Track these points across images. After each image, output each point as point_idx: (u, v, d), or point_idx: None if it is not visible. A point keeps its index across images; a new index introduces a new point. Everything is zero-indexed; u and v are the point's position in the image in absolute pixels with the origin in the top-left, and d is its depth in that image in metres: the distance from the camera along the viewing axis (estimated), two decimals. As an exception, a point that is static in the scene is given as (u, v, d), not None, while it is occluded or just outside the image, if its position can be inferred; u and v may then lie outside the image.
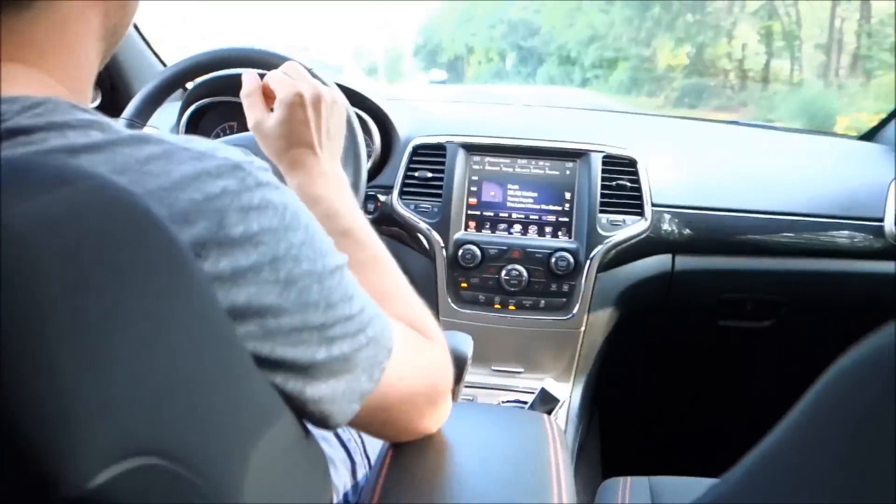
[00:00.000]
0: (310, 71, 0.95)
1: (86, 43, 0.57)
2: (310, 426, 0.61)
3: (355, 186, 1.27)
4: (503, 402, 1.42)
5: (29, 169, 0.39)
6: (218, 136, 1.59)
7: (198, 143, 0.53)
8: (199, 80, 1.44)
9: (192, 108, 1.51)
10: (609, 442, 1.81)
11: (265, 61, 1.19)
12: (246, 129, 1.56)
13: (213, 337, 0.47)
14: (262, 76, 0.90)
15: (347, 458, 0.91)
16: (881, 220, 1.53)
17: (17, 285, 0.35)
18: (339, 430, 0.93)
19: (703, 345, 1.78)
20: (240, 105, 1.55)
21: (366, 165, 1.31)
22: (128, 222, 0.41)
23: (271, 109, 0.86)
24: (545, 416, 0.88)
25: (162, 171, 0.49)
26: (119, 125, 0.52)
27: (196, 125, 1.54)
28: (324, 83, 0.89)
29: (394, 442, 0.75)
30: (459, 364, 0.94)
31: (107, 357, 0.38)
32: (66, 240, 0.37)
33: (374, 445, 0.95)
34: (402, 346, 0.64)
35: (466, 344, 0.97)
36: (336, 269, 0.57)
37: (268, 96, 0.89)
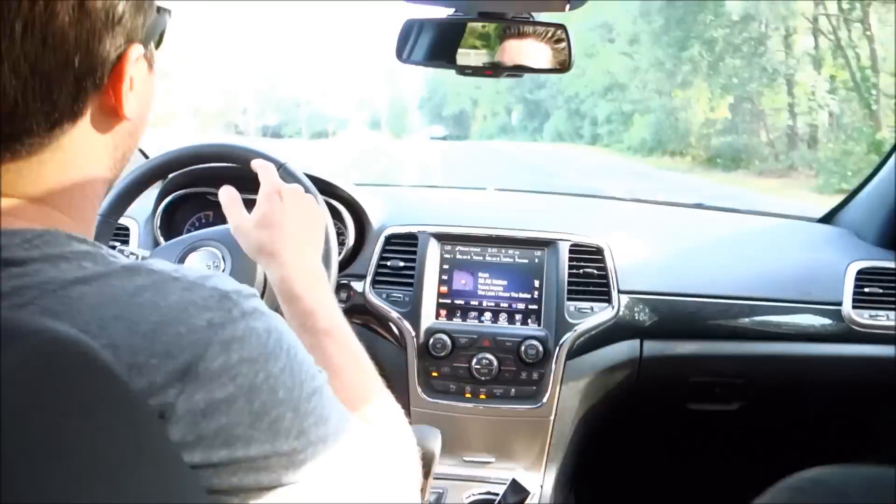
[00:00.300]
0: (282, 167, 1.00)
1: (93, 176, 0.60)
2: None
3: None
4: (474, 494, 1.42)
5: None
6: (194, 224, 1.61)
7: (189, 271, 0.55)
8: (176, 171, 1.46)
9: (168, 198, 1.53)
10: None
11: (239, 156, 1.23)
12: (221, 220, 1.61)
13: (162, 479, 0.48)
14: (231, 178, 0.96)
15: None
16: (839, 303, 1.57)
17: None
18: None
19: (674, 428, 1.79)
20: (216, 195, 1.59)
21: (336, 256, 1.33)
22: (72, 374, 0.42)
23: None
24: None
25: (150, 304, 0.51)
26: (112, 256, 0.54)
27: (172, 215, 1.56)
28: (298, 180, 0.94)
29: None
30: (427, 460, 0.95)
31: (42, 480, 0.39)
32: (11, 398, 0.39)
33: None
34: (371, 453, 0.65)
35: (434, 439, 0.97)
36: (314, 392, 0.58)
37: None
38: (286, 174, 1.17)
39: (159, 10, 0.61)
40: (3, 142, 0.53)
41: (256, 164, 0.98)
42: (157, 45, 0.63)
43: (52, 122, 0.54)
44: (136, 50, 0.58)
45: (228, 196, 0.94)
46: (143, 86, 0.60)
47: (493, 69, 1.35)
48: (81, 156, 0.58)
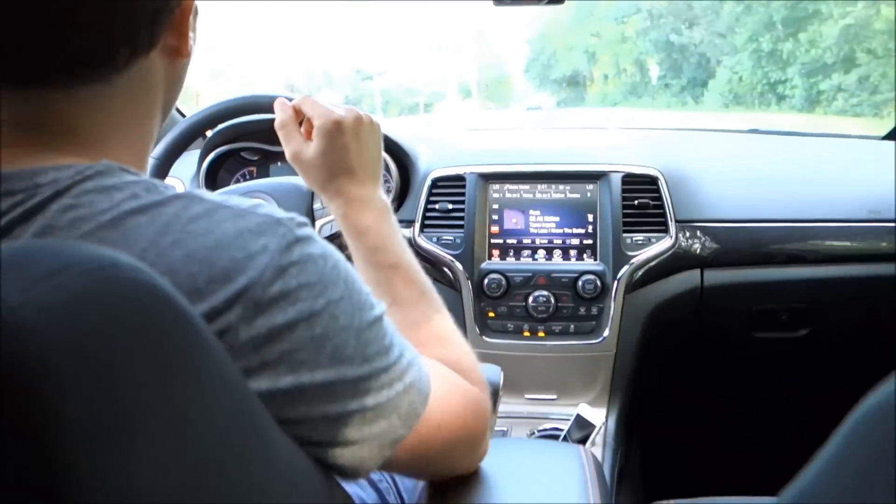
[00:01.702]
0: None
1: (152, 114, 0.61)
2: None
3: None
4: (539, 430, 1.41)
5: (26, 257, 0.38)
6: (238, 181, 1.61)
7: (238, 200, 0.55)
8: (216, 128, 1.46)
9: (212, 156, 1.53)
10: (651, 464, 1.78)
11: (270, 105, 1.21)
12: (266, 174, 1.60)
13: (234, 412, 0.46)
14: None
15: (380, 500, 0.90)
16: (907, 220, 1.50)
17: (19, 384, 0.33)
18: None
19: (740, 358, 1.75)
20: (258, 150, 1.59)
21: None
22: (133, 304, 0.40)
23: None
24: (581, 448, 0.87)
25: (204, 230, 0.50)
26: (163, 186, 0.54)
27: (216, 172, 1.56)
28: None
29: (431, 481, 0.74)
30: (491, 396, 0.94)
31: (125, 455, 0.37)
32: (69, 330, 0.36)
33: (408, 485, 0.94)
34: (440, 390, 0.64)
35: (496, 376, 0.96)
36: (374, 321, 0.57)
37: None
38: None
39: None
40: (83, 70, 0.53)
41: (284, 103, 0.88)
42: None
43: (130, 52, 0.55)
44: None
45: (284, 115, 0.86)
46: (195, 25, 0.61)
47: (533, -3, 1.30)
48: (143, 92, 0.59)
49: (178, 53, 0.60)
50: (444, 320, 0.77)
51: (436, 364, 0.67)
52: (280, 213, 0.55)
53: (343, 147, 0.82)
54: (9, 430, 0.32)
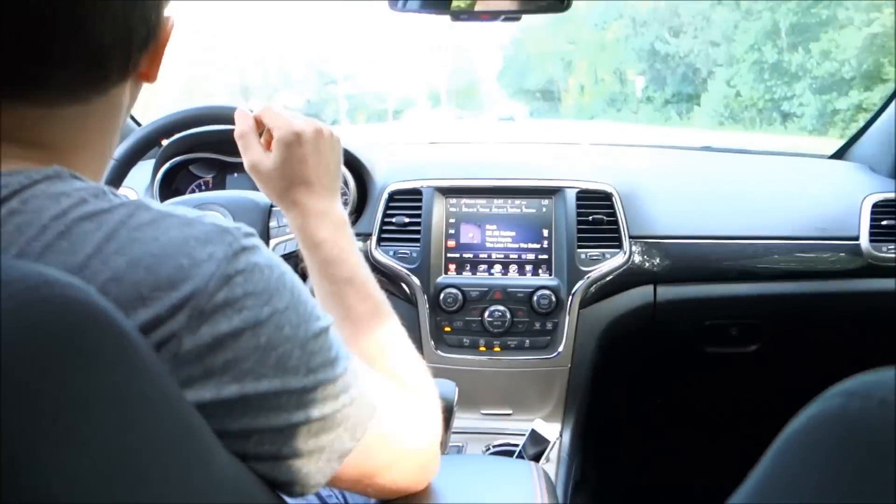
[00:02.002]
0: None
1: (115, 132, 0.63)
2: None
3: None
4: (493, 446, 1.41)
5: None
6: (193, 192, 1.59)
7: (186, 210, 0.54)
8: (171, 138, 1.44)
9: (166, 166, 1.50)
10: (606, 478, 1.80)
11: (229, 115, 1.20)
12: (222, 186, 1.58)
13: (172, 426, 0.46)
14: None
15: None
16: (856, 238, 1.54)
17: None
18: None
19: (692, 373, 1.77)
20: (214, 163, 1.57)
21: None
22: (66, 322, 0.40)
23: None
24: (532, 464, 0.87)
25: (150, 238, 0.50)
26: (112, 194, 0.54)
27: (171, 183, 1.53)
28: None
29: (379, 500, 0.74)
30: (445, 412, 0.93)
31: (56, 472, 0.37)
32: (3, 347, 0.36)
33: (359, 500, 0.94)
34: (389, 404, 0.63)
35: (450, 392, 0.96)
36: (320, 332, 0.57)
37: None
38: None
39: None
40: (76, 90, 0.55)
41: (244, 114, 0.87)
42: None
43: (119, 77, 0.57)
44: (171, 17, 0.61)
45: (244, 124, 0.85)
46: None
47: (491, 13, 1.31)
48: (114, 112, 0.61)
49: (146, 78, 0.62)
50: (397, 335, 0.77)
51: (384, 378, 0.66)
52: (227, 222, 0.55)
53: (301, 158, 0.81)
54: None
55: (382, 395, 0.63)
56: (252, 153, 0.83)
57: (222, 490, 0.50)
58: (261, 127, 0.86)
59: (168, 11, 0.60)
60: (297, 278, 0.58)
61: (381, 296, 0.78)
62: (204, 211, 0.56)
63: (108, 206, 0.51)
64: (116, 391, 0.41)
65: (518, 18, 1.36)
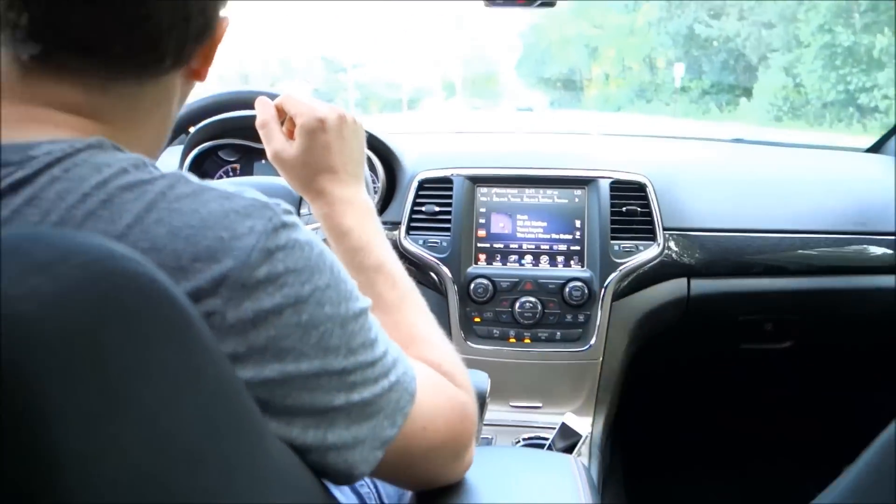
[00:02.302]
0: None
1: (166, 125, 0.64)
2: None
3: None
4: (523, 439, 1.39)
5: (24, 247, 0.38)
6: (221, 178, 1.58)
7: (224, 184, 0.55)
8: (199, 124, 1.43)
9: (194, 152, 1.49)
10: (635, 473, 1.77)
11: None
12: (249, 172, 1.57)
13: (225, 404, 0.46)
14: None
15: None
16: (894, 233, 1.51)
17: (16, 374, 0.34)
18: None
19: (725, 368, 1.75)
20: (242, 147, 1.55)
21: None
22: (129, 295, 0.40)
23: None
24: (571, 457, 0.85)
25: (190, 209, 0.50)
26: (152, 166, 0.54)
27: (199, 169, 1.52)
28: None
29: (416, 490, 0.72)
30: (478, 403, 0.91)
31: (113, 441, 0.37)
32: (64, 321, 0.36)
33: (390, 490, 0.92)
34: (426, 391, 0.62)
35: (483, 382, 0.94)
36: (360, 313, 0.57)
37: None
38: None
39: None
40: (132, 67, 0.55)
41: (265, 101, 0.85)
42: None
43: (172, 63, 0.58)
44: (227, 19, 0.61)
45: (266, 113, 0.83)
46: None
47: (527, -2, 1.28)
48: (165, 102, 0.61)
49: (197, 76, 0.63)
50: (428, 323, 0.75)
51: (421, 365, 0.65)
52: (266, 197, 0.54)
53: (325, 146, 0.79)
54: (5, 418, 0.33)
55: (420, 382, 0.62)
56: (275, 142, 0.82)
57: (271, 473, 0.50)
58: (283, 115, 0.84)
59: (224, 12, 0.61)
60: (335, 257, 0.57)
61: (410, 283, 0.77)
62: (241, 187, 0.55)
63: (149, 178, 0.51)
64: (175, 365, 0.41)
65: (553, 4, 1.34)
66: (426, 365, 0.67)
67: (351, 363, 0.55)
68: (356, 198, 0.80)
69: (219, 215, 0.50)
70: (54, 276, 0.37)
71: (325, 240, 0.82)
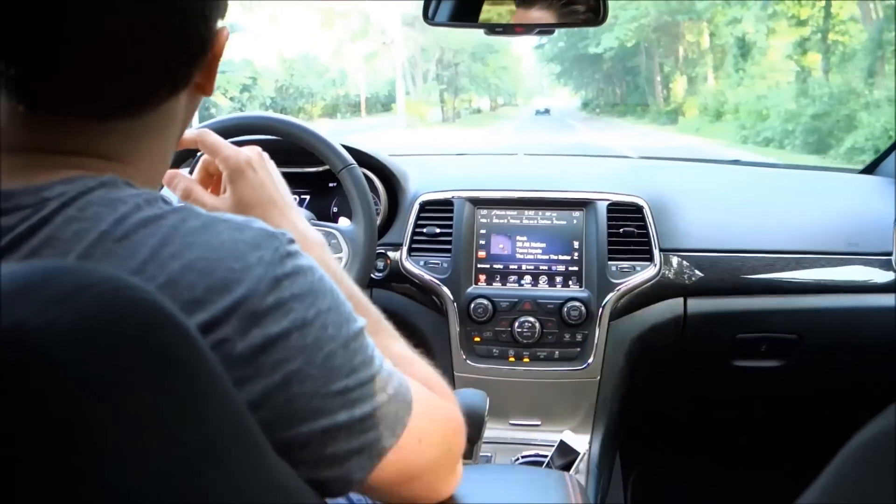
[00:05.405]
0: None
1: (171, 146, 0.64)
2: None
3: (369, 246, 1.29)
4: (522, 457, 1.41)
5: (45, 279, 0.40)
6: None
7: (231, 216, 0.57)
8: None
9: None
10: (634, 489, 1.79)
11: (276, 128, 1.23)
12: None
13: (228, 430, 0.47)
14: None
15: None
16: (889, 253, 1.53)
17: (41, 397, 0.36)
18: (351, 495, 0.92)
19: (720, 386, 1.76)
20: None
21: (376, 224, 1.33)
22: (139, 324, 0.42)
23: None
24: (566, 474, 0.88)
25: (203, 242, 0.53)
26: (162, 199, 0.56)
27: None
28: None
29: None
30: (476, 422, 0.94)
31: (126, 463, 0.39)
32: (83, 349, 0.38)
33: None
34: (419, 405, 0.64)
35: (482, 401, 0.96)
36: (359, 332, 0.59)
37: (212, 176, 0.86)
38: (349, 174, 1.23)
39: None
40: (124, 105, 0.56)
41: (193, 138, 0.84)
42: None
43: (168, 92, 0.58)
44: (226, 29, 0.61)
45: (184, 185, 0.83)
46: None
47: (525, 26, 1.32)
48: (168, 126, 0.61)
49: (203, 91, 0.63)
50: (404, 345, 0.77)
51: (411, 381, 0.67)
52: (271, 227, 0.57)
53: (260, 183, 0.82)
54: (32, 439, 0.36)
55: (415, 394, 0.64)
56: (208, 204, 0.82)
57: (272, 493, 0.51)
58: (192, 152, 0.86)
59: (222, 22, 0.61)
60: (333, 281, 0.60)
61: (377, 311, 0.78)
62: (247, 217, 0.58)
63: (161, 213, 0.54)
64: (183, 392, 0.43)
65: (552, 32, 1.38)
66: (415, 381, 0.69)
67: (353, 381, 0.56)
68: (308, 231, 0.82)
69: (230, 247, 0.53)
70: (72, 306, 0.39)
71: None
